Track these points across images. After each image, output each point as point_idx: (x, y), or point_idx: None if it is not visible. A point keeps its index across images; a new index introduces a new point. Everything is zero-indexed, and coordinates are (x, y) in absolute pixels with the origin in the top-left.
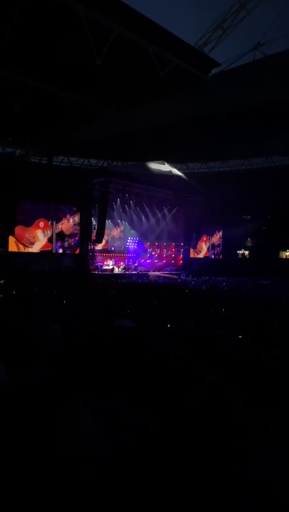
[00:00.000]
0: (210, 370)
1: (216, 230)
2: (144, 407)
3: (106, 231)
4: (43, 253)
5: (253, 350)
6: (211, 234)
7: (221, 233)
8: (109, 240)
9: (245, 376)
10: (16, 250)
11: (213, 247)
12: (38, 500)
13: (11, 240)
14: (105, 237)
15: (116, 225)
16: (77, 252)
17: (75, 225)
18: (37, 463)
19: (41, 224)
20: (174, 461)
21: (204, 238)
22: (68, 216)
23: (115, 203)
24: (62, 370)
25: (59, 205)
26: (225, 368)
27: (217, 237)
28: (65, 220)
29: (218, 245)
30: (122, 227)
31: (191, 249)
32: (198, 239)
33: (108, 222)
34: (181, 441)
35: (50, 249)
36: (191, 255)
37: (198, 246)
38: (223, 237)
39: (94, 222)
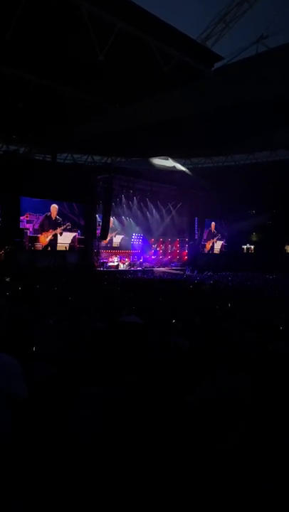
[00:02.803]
0: (217, 364)
1: (219, 225)
2: (146, 401)
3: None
4: (46, 251)
5: (260, 344)
6: (215, 229)
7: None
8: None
9: (253, 370)
10: None
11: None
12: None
13: None
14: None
15: (120, 221)
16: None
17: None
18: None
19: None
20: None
21: (210, 234)
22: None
23: (119, 199)
24: (65, 368)
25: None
26: (232, 361)
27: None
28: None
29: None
30: (125, 223)
31: (196, 245)
32: (202, 234)
33: (112, 219)
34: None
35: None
36: (196, 250)
37: (202, 241)
38: (228, 232)
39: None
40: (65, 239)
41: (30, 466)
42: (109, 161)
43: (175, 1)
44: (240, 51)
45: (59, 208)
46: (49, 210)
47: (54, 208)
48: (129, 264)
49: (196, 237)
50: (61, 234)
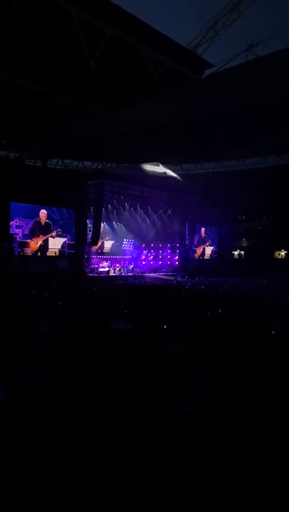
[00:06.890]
0: (207, 369)
1: (209, 230)
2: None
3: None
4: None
5: (252, 350)
6: (205, 234)
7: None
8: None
9: (245, 375)
10: None
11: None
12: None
13: None
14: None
15: (111, 226)
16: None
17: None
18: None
19: None
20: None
21: (200, 239)
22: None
23: (110, 205)
24: (59, 373)
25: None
26: (224, 367)
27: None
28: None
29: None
30: (116, 229)
31: (187, 250)
32: (193, 240)
33: (103, 224)
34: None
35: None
36: (187, 256)
37: (193, 247)
38: (219, 238)
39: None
40: (54, 244)
41: (23, 469)
42: (100, 166)
43: (166, 9)
44: (230, 59)
45: (48, 213)
46: (38, 216)
47: (43, 213)
48: (120, 270)
49: (187, 242)
50: (53, 237)
